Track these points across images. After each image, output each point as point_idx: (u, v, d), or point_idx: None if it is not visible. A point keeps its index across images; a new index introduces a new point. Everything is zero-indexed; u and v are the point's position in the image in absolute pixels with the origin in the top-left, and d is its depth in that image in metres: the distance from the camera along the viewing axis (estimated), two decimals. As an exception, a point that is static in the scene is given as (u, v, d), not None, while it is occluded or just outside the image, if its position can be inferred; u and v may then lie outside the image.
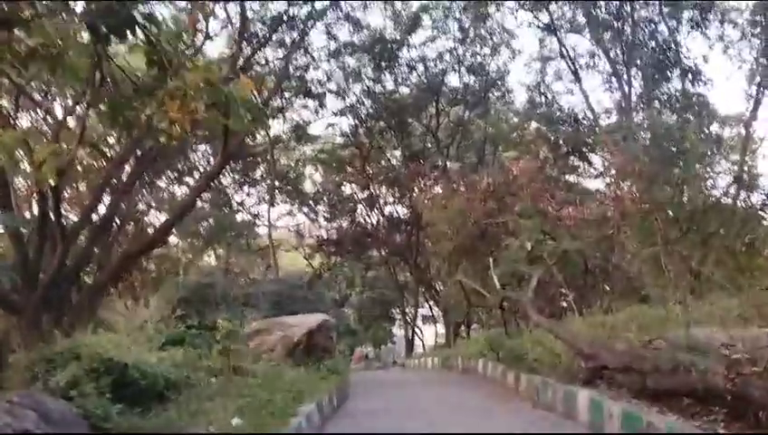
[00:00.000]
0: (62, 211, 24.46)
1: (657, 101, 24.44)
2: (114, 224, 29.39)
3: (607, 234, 18.31)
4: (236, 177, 39.57)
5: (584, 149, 30.35)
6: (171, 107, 6.79)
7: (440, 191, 21.62)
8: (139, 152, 22.75)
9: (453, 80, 32.93)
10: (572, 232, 18.19)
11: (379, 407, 11.57)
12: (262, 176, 37.98)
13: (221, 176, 39.27)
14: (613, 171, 23.22)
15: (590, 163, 32.51)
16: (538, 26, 27.06)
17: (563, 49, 25.62)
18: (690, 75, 14.73)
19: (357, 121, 34.99)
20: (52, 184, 17.64)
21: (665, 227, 14.13)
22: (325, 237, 41.07)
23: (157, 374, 9.58)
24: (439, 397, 12.68)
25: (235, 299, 16.16)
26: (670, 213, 16.18)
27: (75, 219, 23.70)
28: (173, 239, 38.27)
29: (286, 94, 33.52)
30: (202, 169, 37.89)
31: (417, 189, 29.99)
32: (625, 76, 25.60)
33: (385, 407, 11.51)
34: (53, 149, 13.86)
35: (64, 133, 20.06)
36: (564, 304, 19.29)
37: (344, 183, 40.17)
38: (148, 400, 9.25)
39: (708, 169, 17.05)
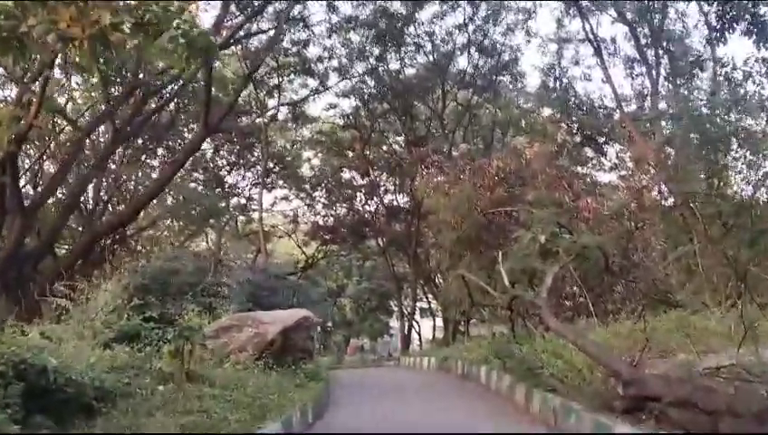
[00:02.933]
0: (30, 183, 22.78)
1: (686, 87, 22.33)
2: (101, 201, 27.79)
3: (629, 228, 16.41)
4: (232, 158, 37.81)
5: (601, 139, 28.47)
6: (63, 16, 4.73)
7: (444, 178, 19.55)
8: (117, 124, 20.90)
9: (462, 61, 30.98)
10: (591, 225, 16.29)
11: (365, 423, 9.65)
12: (258, 158, 35.95)
13: (217, 157, 37.84)
14: (634, 161, 21.34)
15: (604, 154, 30.68)
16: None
17: (585, 22, 23.47)
18: (755, 35, 12.71)
19: (359, 102, 33.03)
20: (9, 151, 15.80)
21: (705, 223, 12.21)
22: (321, 224, 39.26)
23: (84, 381, 7.66)
24: (438, 411, 10.77)
25: (204, 289, 14.24)
26: (697, 207, 14.30)
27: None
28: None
29: (285, 71, 31.73)
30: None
31: (419, 175, 28.05)
32: (651, 57, 23.55)
33: (371, 423, 9.57)
34: (12, 112, 11.27)
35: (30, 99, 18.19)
36: (574, 305, 17.49)
37: (343, 168, 38.16)
38: (71, 413, 7.36)
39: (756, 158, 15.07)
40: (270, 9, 24.76)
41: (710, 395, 5.70)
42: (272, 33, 26.21)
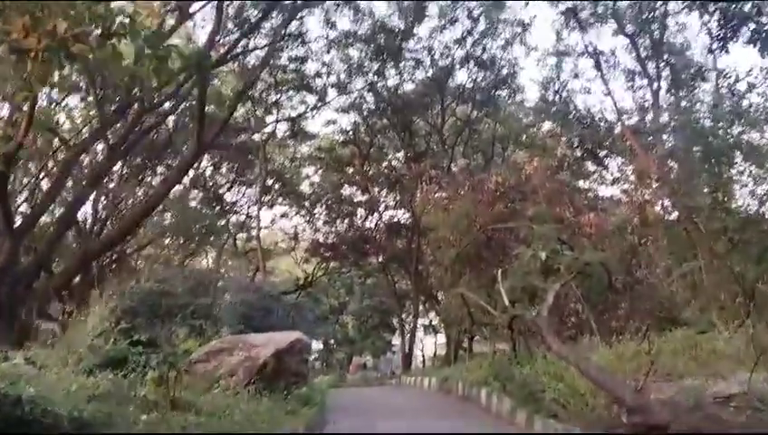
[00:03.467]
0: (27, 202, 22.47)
1: (687, 99, 22.02)
2: (99, 221, 27.50)
3: (633, 244, 16.03)
4: (231, 175, 37.60)
5: (601, 153, 28.14)
6: (16, 26, 4.42)
7: (443, 194, 19.20)
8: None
9: (461, 75, 30.76)
10: (593, 241, 15.91)
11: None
12: (256, 176, 35.73)
13: (217, 175, 37.63)
14: (636, 175, 21.01)
15: (605, 168, 30.34)
16: (559, 12, 24.45)
17: (583, 35, 23.16)
18: (758, 43, 12.32)
19: (358, 118, 32.80)
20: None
21: (710, 238, 11.82)
22: (321, 241, 38.91)
23: (60, 412, 7.28)
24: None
25: (194, 311, 13.76)
26: (702, 222, 13.94)
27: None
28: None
29: (283, 88, 31.52)
30: (195, 166, 36.22)
31: (419, 192, 27.72)
32: (652, 69, 23.20)
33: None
34: (2, 131, 10.98)
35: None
36: (576, 323, 17.09)
37: (343, 184, 37.83)
38: (46, 446, 6.96)
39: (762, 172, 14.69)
40: (267, 25, 24.58)
41: (720, 425, 5.32)
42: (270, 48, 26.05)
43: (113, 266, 29.48)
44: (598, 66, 23.21)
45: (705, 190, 16.61)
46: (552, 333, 10.05)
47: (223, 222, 38.74)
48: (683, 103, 21.74)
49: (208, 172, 37.48)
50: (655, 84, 23.37)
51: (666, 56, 23.21)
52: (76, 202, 19.29)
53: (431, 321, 38.84)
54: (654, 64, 23.49)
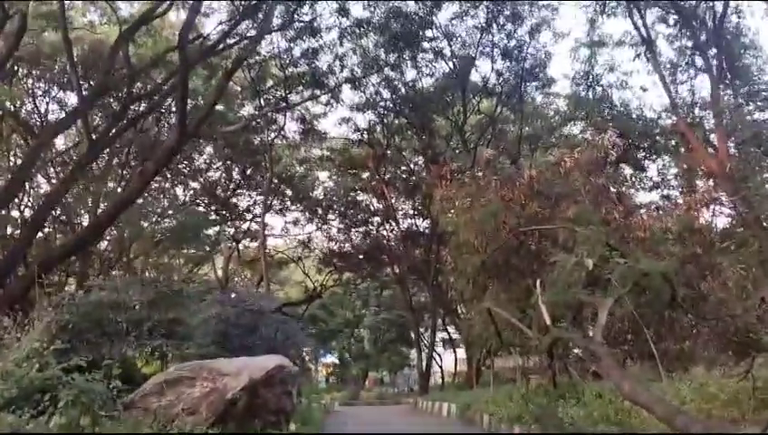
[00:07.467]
0: None
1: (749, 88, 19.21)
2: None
3: (695, 252, 13.32)
4: (238, 177, 35.36)
5: (639, 154, 25.53)
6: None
7: (465, 190, 16.49)
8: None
9: (484, 67, 28.19)
10: (646, 248, 13.22)
11: None
12: (261, 176, 33.40)
13: (225, 180, 35.40)
14: (690, 173, 18.30)
15: (643, 170, 27.69)
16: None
17: (632, 12, 20.26)
18: None
19: (374, 116, 30.28)
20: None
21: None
22: (335, 250, 36.49)
23: None
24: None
25: (154, 327, 11.14)
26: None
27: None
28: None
29: (293, 83, 29.12)
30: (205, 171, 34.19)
31: (438, 195, 25.14)
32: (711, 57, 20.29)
33: None
34: None
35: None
36: (624, 345, 14.43)
37: (357, 190, 35.35)
38: None
39: None
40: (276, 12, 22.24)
41: None
42: (279, 40, 24.00)
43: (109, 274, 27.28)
44: (650, 52, 20.28)
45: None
46: (615, 364, 7.44)
47: (232, 230, 36.71)
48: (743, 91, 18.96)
49: (216, 175, 35.44)
50: (713, 73, 20.33)
51: (722, 43, 20.29)
52: (49, 199, 16.96)
53: (450, 335, 36.26)
54: (712, 51, 20.50)
